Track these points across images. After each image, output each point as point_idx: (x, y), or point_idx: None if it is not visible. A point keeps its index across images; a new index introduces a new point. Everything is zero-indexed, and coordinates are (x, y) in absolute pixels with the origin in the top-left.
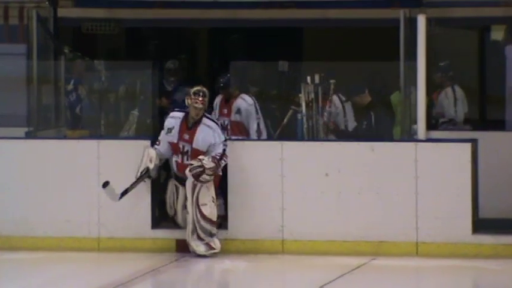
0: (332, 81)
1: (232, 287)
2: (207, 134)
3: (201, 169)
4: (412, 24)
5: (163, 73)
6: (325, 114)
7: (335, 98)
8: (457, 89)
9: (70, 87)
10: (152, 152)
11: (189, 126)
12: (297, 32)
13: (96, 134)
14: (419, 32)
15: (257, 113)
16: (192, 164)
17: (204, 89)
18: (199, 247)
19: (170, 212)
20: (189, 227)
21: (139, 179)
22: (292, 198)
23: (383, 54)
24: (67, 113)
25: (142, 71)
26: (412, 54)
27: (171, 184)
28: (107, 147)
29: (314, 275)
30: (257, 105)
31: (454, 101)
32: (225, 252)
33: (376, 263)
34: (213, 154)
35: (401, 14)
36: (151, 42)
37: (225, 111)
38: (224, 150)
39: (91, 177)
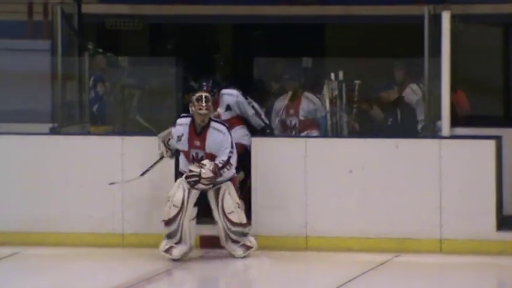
0: (357, 81)
1: (256, 284)
2: (218, 138)
3: (196, 178)
4: (436, 20)
5: (187, 70)
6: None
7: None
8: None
9: (90, 84)
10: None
11: (198, 133)
12: (319, 28)
13: (119, 131)
14: (444, 29)
15: (246, 98)
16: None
17: (207, 94)
18: (236, 251)
19: (170, 211)
20: (221, 234)
21: (158, 160)
22: (315, 194)
23: (407, 51)
24: (90, 109)
25: (165, 68)
26: (436, 51)
27: (183, 181)
28: (130, 144)
29: (337, 271)
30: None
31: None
32: None
33: (400, 259)
34: (217, 161)
35: (425, 10)
36: (171, 40)
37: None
38: (229, 158)
39: (115, 173)
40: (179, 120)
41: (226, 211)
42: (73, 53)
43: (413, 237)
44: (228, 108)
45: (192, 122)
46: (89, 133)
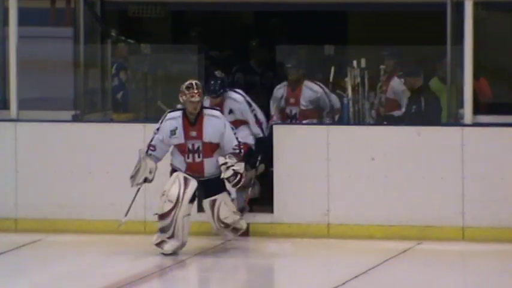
0: (382, 66)
1: (278, 271)
2: (215, 123)
3: (238, 177)
4: (459, 8)
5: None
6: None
7: (396, 80)
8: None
9: (112, 71)
10: (151, 164)
11: (192, 122)
12: (341, 16)
13: (141, 118)
14: (467, 16)
15: (250, 105)
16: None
17: (197, 81)
18: (227, 236)
19: (164, 205)
20: (214, 226)
21: (137, 192)
22: (338, 182)
23: (429, 39)
24: (113, 96)
25: (187, 55)
26: (458, 39)
27: (179, 175)
28: (153, 131)
29: (359, 259)
30: (248, 98)
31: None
32: (270, 235)
33: (422, 247)
34: (232, 150)
35: None
36: (195, 29)
37: None
38: (237, 138)
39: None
40: (169, 115)
41: (222, 217)
42: (95, 41)
43: (436, 224)
44: (231, 111)
45: (184, 115)
46: (111, 120)
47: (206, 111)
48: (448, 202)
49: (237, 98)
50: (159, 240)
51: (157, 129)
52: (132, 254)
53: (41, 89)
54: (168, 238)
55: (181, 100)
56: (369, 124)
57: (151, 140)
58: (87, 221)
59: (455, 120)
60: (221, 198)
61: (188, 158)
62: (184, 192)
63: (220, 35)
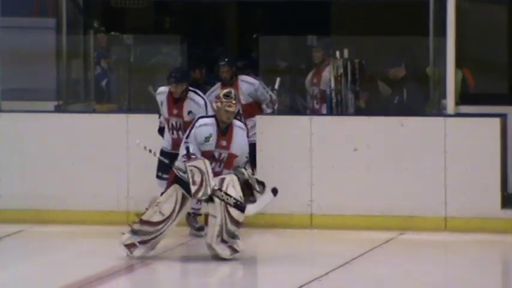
0: (356, 60)
1: (261, 262)
2: (242, 136)
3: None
4: None
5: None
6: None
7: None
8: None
9: (93, 60)
10: (203, 164)
11: (224, 132)
12: (324, 6)
13: (124, 108)
14: (449, 7)
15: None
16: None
17: (234, 90)
18: (225, 251)
19: (155, 215)
20: (215, 229)
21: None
22: (320, 172)
23: (412, 30)
24: (96, 86)
25: (170, 45)
26: (441, 29)
27: (178, 191)
28: (135, 121)
29: (342, 249)
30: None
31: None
32: (253, 226)
33: (405, 237)
34: (245, 159)
35: None
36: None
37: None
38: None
39: (120, 151)
40: (203, 120)
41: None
42: (78, 31)
43: (418, 215)
44: (190, 113)
45: (217, 122)
46: (94, 111)
47: (235, 122)
48: (430, 192)
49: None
50: (129, 242)
51: (187, 137)
52: (115, 245)
53: (24, 80)
54: (139, 243)
55: (214, 107)
56: (352, 114)
57: (188, 150)
58: (70, 211)
59: (438, 111)
60: (230, 178)
61: (213, 165)
62: (179, 211)
63: (200, 26)
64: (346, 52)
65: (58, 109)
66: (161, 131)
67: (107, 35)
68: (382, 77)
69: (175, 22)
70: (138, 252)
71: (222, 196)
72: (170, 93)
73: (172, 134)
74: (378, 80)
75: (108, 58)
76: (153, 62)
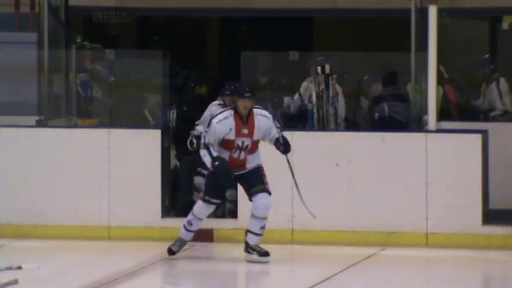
0: (334, 75)
1: (241, 277)
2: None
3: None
4: (423, 14)
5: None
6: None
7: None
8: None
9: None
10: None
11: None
12: (307, 21)
13: (106, 123)
14: (431, 23)
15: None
16: None
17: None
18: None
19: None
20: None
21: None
22: (302, 188)
23: (393, 45)
24: (79, 101)
25: (152, 60)
26: (423, 45)
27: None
28: (117, 136)
29: (323, 265)
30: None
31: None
32: (234, 241)
33: (386, 253)
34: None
35: (412, 4)
36: (154, 38)
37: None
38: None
39: (101, 166)
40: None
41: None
42: (60, 46)
43: (400, 230)
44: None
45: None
46: (75, 126)
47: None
48: (411, 208)
49: (267, 115)
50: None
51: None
52: (96, 260)
53: (5, 94)
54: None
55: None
56: (333, 130)
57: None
58: (51, 226)
59: (420, 127)
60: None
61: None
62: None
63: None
64: (327, 67)
65: (40, 124)
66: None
67: (90, 51)
68: (365, 92)
69: (158, 37)
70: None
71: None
72: (236, 114)
73: (234, 153)
74: (360, 96)
75: (89, 73)
76: (135, 77)
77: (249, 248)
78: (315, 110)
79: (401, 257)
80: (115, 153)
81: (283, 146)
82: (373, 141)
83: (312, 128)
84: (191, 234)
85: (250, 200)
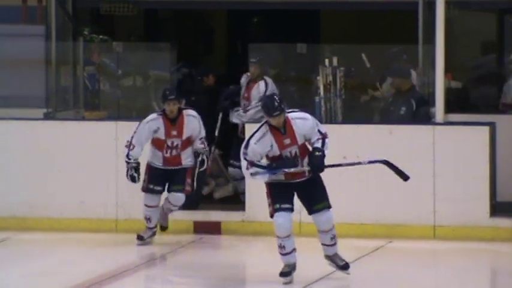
0: (342, 68)
1: (249, 269)
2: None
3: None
4: (430, 7)
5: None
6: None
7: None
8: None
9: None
10: None
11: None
12: (314, 14)
13: (113, 116)
14: (438, 15)
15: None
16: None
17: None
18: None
19: None
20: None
21: None
22: None
23: (401, 38)
24: (86, 94)
25: (160, 53)
26: (430, 38)
27: None
28: (124, 129)
29: None
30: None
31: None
32: (242, 234)
33: (393, 245)
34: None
35: None
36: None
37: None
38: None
39: (109, 158)
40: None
41: None
42: (67, 39)
43: (407, 223)
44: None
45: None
46: (83, 118)
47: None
48: (419, 201)
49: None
50: None
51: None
52: (103, 252)
53: (13, 87)
54: None
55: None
56: (341, 123)
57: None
58: (57, 219)
59: (427, 119)
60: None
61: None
62: None
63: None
64: (335, 60)
65: (47, 116)
66: None
67: (98, 44)
68: (372, 86)
69: (166, 29)
70: None
71: None
72: (272, 128)
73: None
74: (368, 89)
75: (97, 66)
76: (143, 69)
77: (328, 260)
78: (322, 103)
79: (408, 249)
80: (123, 146)
81: (311, 165)
82: (381, 134)
83: (319, 120)
84: (292, 256)
85: (309, 214)
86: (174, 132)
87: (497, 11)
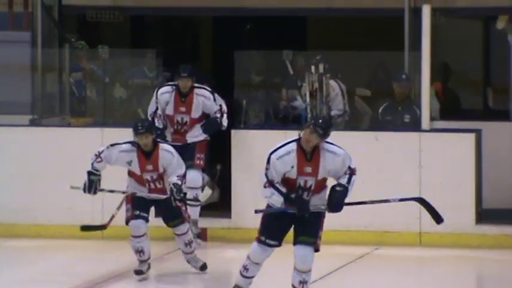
0: (328, 75)
1: (236, 277)
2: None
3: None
4: (416, 14)
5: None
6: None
7: (332, 82)
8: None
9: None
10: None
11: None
12: (301, 21)
13: (99, 122)
14: (424, 22)
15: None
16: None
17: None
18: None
19: None
20: None
21: None
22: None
23: (387, 44)
24: (72, 100)
25: (146, 59)
26: (416, 45)
27: None
28: (110, 135)
29: (317, 264)
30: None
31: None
32: (228, 241)
33: (379, 252)
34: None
35: (405, 3)
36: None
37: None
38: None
39: None
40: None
41: None
42: (53, 45)
43: (393, 230)
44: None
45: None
46: (69, 125)
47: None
48: (405, 207)
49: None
50: None
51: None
52: (91, 259)
53: None
54: None
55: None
56: None
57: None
58: (44, 225)
59: (413, 126)
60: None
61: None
62: None
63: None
64: (321, 67)
65: (33, 123)
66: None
67: (85, 51)
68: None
69: (152, 36)
70: None
71: None
72: (300, 148)
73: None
74: (355, 96)
75: (84, 71)
76: (129, 76)
77: None
78: (308, 109)
79: (394, 256)
80: None
81: (329, 200)
82: (367, 140)
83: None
84: (249, 281)
85: (293, 245)
86: (150, 167)
87: (483, 18)
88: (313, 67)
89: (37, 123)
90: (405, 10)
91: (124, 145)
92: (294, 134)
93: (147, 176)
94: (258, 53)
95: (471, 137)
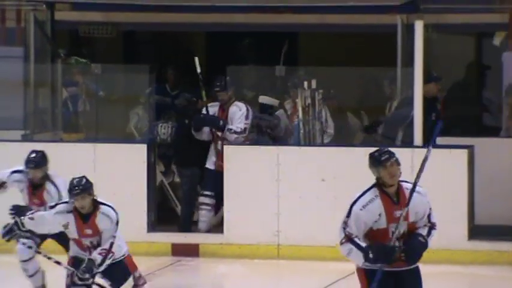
0: (320, 90)
1: None
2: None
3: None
4: (409, 30)
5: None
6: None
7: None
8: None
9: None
10: None
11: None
12: (293, 37)
13: (91, 138)
14: (417, 38)
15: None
16: None
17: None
18: None
19: None
20: None
21: None
22: (288, 203)
23: (380, 60)
24: (64, 116)
25: (139, 75)
26: (409, 60)
27: None
28: (103, 151)
29: (309, 280)
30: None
31: None
32: (221, 256)
33: None
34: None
35: (398, 20)
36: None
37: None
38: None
39: None
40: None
41: None
42: (46, 60)
43: None
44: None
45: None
46: (61, 140)
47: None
48: None
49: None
50: None
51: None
52: None
53: None
54: None
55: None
56: (319, 145)
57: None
58: None
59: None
60: None
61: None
62: None
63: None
64: (314, 83)
65: (25, 138)
66: None
67: (78, 65)
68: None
69: (144, 52)
70: None
71: None
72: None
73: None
74: (347, 111)
75: (78, 87)
76: (121, 91)
77: None
78: (301, 125)
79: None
80: (100, 168)
81: (409, 248)
82: (359, 156)
83: (297, 143)
84: None
85: None
86: (89, 231)
87: (476, 34)
88: (305, 83)
89: (29, 139)
90: (398, 26)
91: (59, 206)
92: (287, 150)
93: (87, 242)
94: (250, 69)
95: (463, 153)
